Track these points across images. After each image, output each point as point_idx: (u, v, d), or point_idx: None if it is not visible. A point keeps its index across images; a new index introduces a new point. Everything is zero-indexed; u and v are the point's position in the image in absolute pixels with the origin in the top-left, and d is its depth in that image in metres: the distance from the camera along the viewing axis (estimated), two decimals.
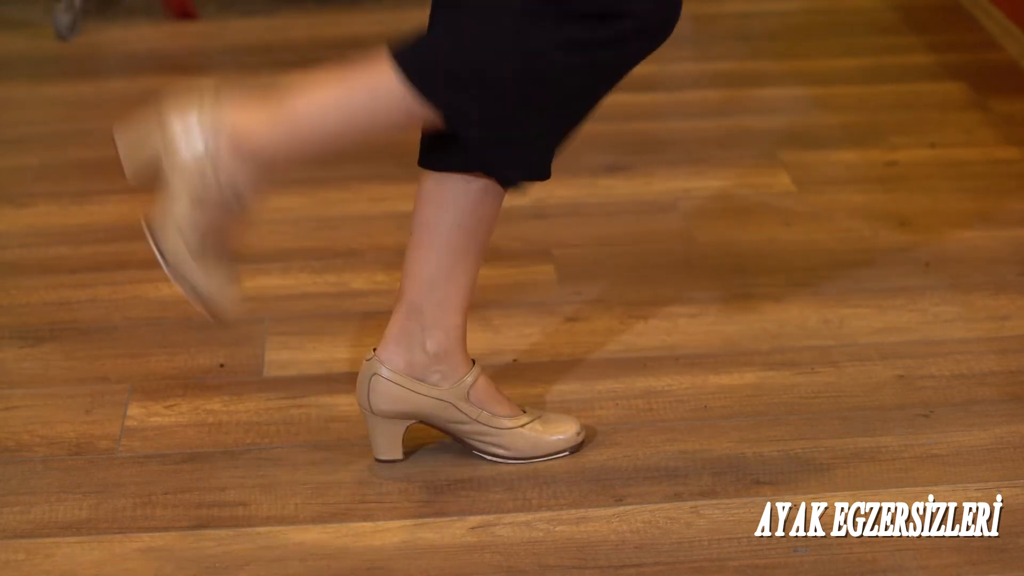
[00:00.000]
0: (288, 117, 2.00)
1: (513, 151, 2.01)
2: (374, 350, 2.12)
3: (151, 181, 2.07)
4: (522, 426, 2.15)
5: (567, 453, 2.17)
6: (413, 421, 2.14)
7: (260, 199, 2.02)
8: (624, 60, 2.00)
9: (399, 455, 2.16)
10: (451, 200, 2.07)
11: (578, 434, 2.18)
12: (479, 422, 2.14)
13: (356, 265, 2.75)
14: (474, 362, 2.14)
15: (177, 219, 2.01)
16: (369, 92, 1.98)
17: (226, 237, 2.04)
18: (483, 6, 1.95)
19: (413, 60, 1.96)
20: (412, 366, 2.11)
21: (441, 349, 2.11)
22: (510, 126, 1.99)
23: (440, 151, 2.05)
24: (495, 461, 2.15)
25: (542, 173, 2.06)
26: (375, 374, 2.11)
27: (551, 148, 2.05)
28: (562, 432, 2.17)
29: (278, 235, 2.87)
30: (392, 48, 1.97)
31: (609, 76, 2.01)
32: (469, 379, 2.13)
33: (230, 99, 2.01)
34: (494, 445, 2.15)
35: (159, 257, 2.02)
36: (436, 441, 2.19)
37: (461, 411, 2.13)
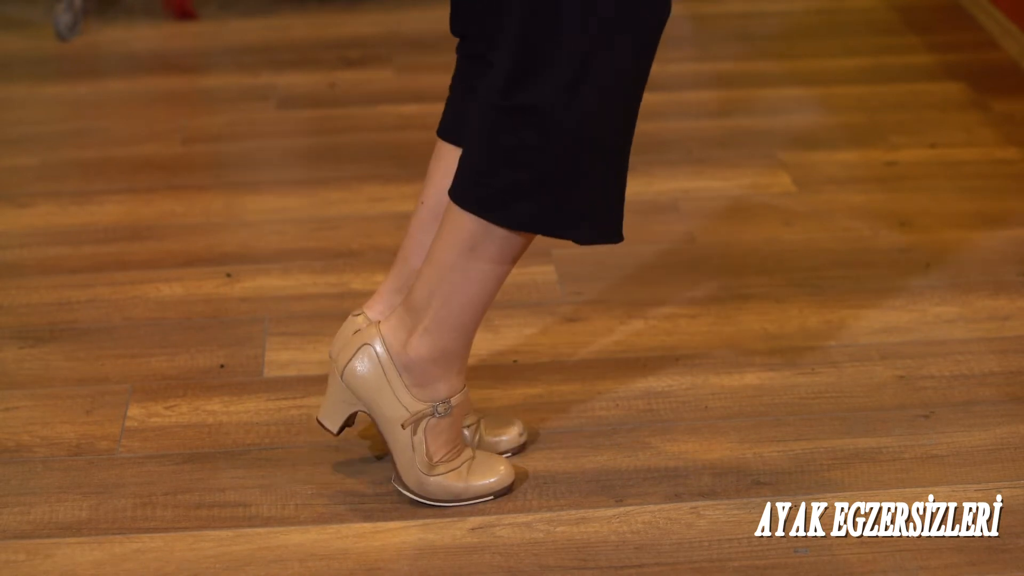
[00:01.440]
0: (419, 312, 2.02)
1: (595, 216, 1.99)
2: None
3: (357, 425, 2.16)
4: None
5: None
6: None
7: (461, 396, 2.06)
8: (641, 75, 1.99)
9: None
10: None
11: (520, 435, 2.18)
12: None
13: (356, 265, 2.75)
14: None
15: (417, 467, 2.06)
16: (460, 244, 1.98)
17: (458, 431, 2.09)
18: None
19: (473, 195, 1.95)
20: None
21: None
22: (583, 195, 1.96)
23: (463, 124, 2.04)
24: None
25: (618, 232, 2.02)
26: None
27: (620, 201, 2.01)
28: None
29: (278, 235, 2.88)
30: (454, 194, 1.97)
31: (636, 96, 2.00)
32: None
33: (385, 330, 2.05)
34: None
35: (437, 505, 2.08)
36: None
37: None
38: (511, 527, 2.04)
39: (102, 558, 2.00)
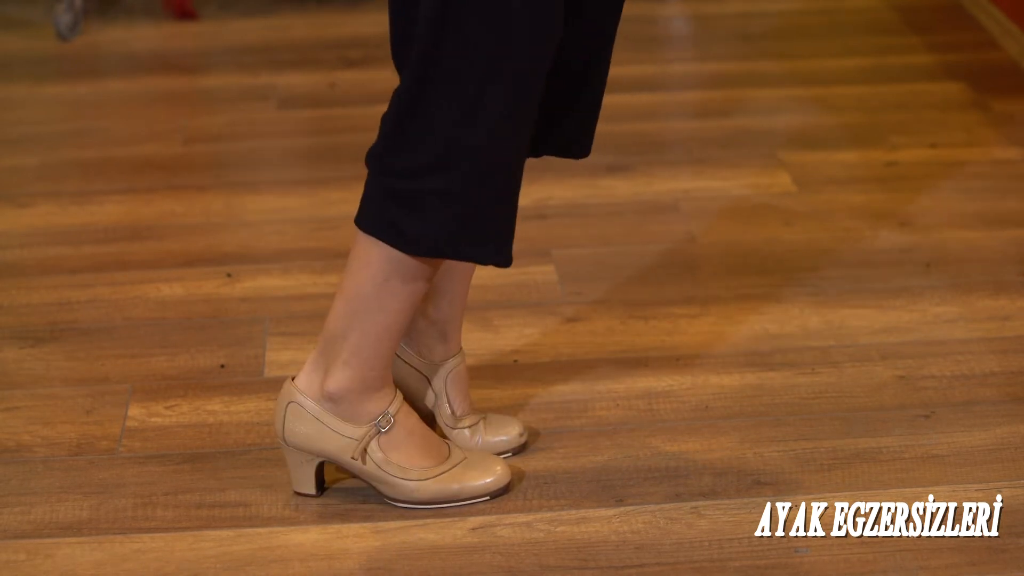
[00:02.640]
0: (333, 346, 2.02)
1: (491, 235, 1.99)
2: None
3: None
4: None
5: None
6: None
7: (396, 403, 2.05)
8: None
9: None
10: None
11: (520, 435, 2.18)
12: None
13: None
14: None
15: (388, 475, 2.06)
16: (367, 270, 1.98)
17: (424, 435, 2.08)
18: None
19: (370, 218, 1.96)
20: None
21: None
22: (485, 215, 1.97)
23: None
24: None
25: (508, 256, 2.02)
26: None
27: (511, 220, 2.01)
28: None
29: (278, 235, 2.88)
30: (361, 222, 1.98)
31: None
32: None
33: (300, 379, 2.06)
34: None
35: (435, 508, 2.07)
36: None
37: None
38: (511, 527, 2.04)
39: (102, 558, 2.00)
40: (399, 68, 2.02)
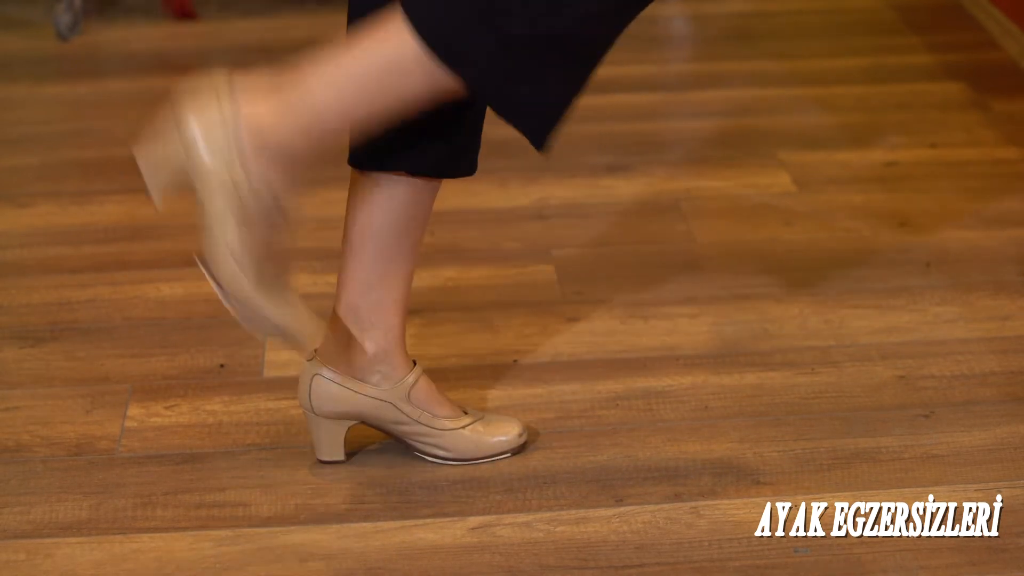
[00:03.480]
0: (305, 102, 1.84)
1: (537, 111, 1.86)
2: (315, 351, 2.12)
3: (179, 197, 1.89)
4: (463, 427, 2.15)
5: (509, 455, 2.16)
6: (355, 422, 2.14)
7: (297, 202, 1.92)
8: None
9: (341, 456, 2.15)
10: (383, 201, 2.06)
11: (520, 435, 2.19)
12: (420, 423, 2.13)
13: None
14: (415, 363, 2.14)
15: (228, 244, 1.84)
16: (385, 60, 1.80)
17: (279, 255, 1.91)
18: None
19: (428, 18, 1.78)
20: (352, 367, 2.11)
21: (380, 349, 2.10)
22: (533, 83, 1.84)
23: (373, 151, 2.04)
24: (435, 462, 2.15)
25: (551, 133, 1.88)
26: (316, 375, 2.11)
27: (565, 107, 1.88)
28: (504, 434, 2.17)
29: None
30: (405, 5, 1.80)
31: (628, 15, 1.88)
32: (410, 379, 2.12)
33: (244, 90, 1.84)
34: (435, 446, 2.15)
35: (220, 293, 1.90)
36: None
37: (402, 411, 2.12)
38: (511, 527, 2.04)
39: (102, 558, 2.00)
40: None
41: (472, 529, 2.04)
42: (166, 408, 2.33)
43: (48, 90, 3.67)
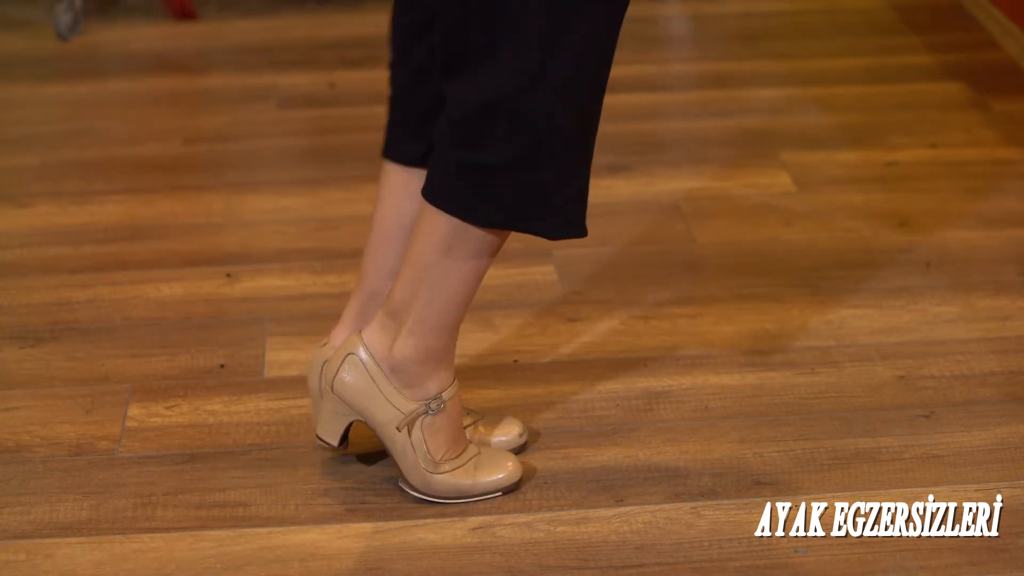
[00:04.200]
0: (402, 318, 2.02)
1: (566, 209, 1.99)
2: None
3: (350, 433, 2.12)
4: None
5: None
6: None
7: (452, 389, 2.05)
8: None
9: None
10: (416, 193, 2.06)
11: (520, 435, 2.18)
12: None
13: (356, 265, 2.74)
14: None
15: (421, 467, 2.06)
16: (444, 252, 1.97)
17: (459, 426, 2.08)
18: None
19: (445, 194, 1.95)
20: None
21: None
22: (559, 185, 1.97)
23: (410, 145, 2.06)
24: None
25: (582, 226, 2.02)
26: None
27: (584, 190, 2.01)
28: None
29: (278, 235, 2.88)
30: (426, 193, 1.97)
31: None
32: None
33: (365, 341, 2.05)
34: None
35: (445, 503, 2.08)
36: None
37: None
38: (511, 527, 2.04)
39: (102, 558, 2.00)
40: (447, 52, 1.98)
41: (472, 529, 2.04)
42: (166, 408, 2.33)
43: (48, 90, 3.67)
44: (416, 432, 2.05)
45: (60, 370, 2.44)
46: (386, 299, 2.05)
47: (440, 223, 1.96)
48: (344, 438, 2.10)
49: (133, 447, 2.24)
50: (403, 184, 2.10)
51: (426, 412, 2.05)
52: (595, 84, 1.94)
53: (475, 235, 1.96)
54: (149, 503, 2.11)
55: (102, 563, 2.00)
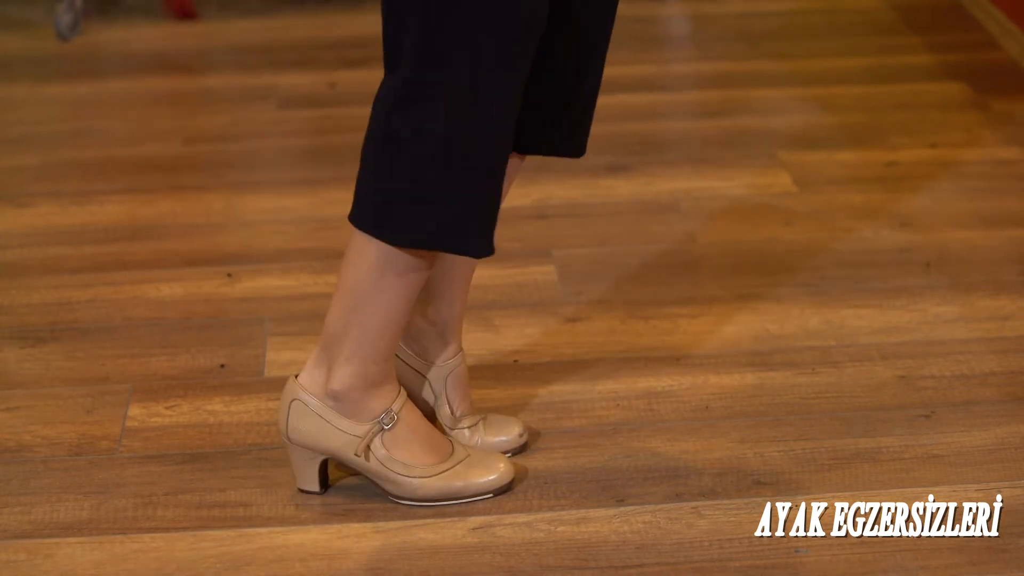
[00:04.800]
0: (338, 347, 2.03)
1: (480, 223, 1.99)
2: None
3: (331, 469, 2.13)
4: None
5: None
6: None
7: (400, 400, 2.05)
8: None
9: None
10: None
11: (520, 435, 2.18)
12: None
13: None
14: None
15: (391, 472, 2.06)
16: (376, 277, 1.99)
17: (427, 432, 2.08)
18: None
19: (360, 213, 1.97)
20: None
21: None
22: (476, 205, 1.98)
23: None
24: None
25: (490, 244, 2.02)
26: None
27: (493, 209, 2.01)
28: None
29: (279, 235, 2.88)
30: (353, 217, 1.99)
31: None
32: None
33: (301, 384, 2.06)
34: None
35: (439, 506, 2.08)
36: None
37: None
38: (512, 527, 2.04)
39: (103, 558, 2.00)
40: (388, 66, 2.02)
41: (472, 529, 2.04)
42: (167, 408, 2.33)
43: (48, 90, 3.67)
44: (378, 451, 2.06)
45: (60, 370, 2.44)
46: (322, 334, 2.06)
47: (367, 248, 1.98)
48: (324, 480, 2.11)
49: (133, 447, 2.24)
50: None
51: (381, 429, 2.05)
52: (508, 113, 1.94)
53: (402, 255, 1.98)
54: (149, 503, 2.11)
55: (102, 563, 2.00)
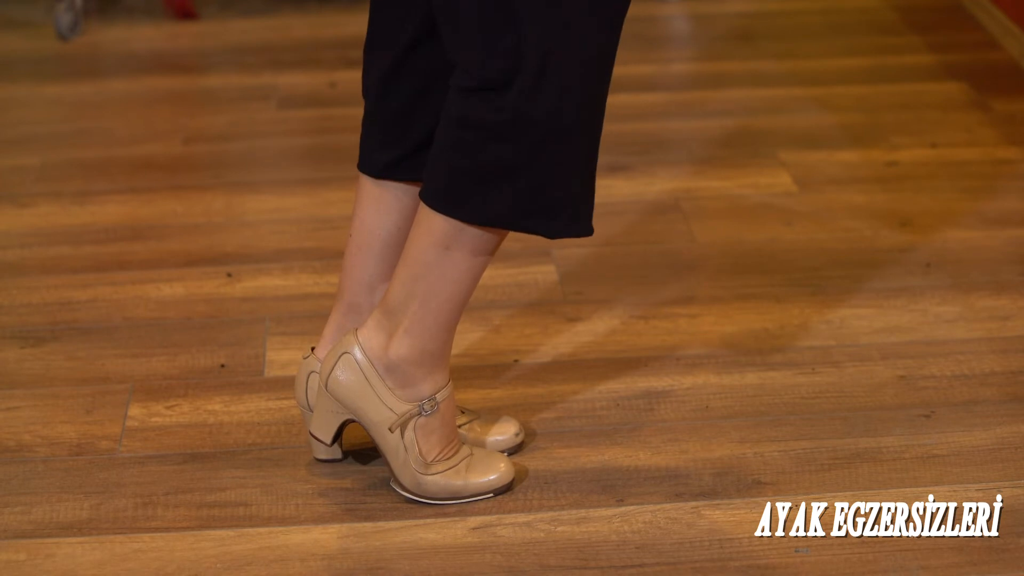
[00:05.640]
0: (399, 317, 2.02)
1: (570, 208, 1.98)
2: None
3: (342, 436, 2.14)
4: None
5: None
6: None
7: (446, 391, 2.05)
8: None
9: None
10: (393, 205, 2.07)
11: (517, 435, 2.18)
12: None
13: None
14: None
15: (412, 468, 2.06)
16: (441, 252, 1.97)
17: (452, 427, 2.07)
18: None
19: (444, 194, 1.95)
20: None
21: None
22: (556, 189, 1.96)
23: (386, 160, 2.06)
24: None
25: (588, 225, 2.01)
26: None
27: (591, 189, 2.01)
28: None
29: (278, 235, 2.88)
30: (425, 195, 1.97)
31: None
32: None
33: (360, 341, 2.04)
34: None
35: (436, 504, 2.08)
36: None
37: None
38: (512, 527, 2.04)
39: (103, 558, 2.01)
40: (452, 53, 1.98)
41: (473, 529, 2.04)
42: (167, 408, 2.33)
43: (49, 90, 3.67)
44: (409, 433, 2.05)
45: (61, 370, 2.44)
46: (383, 298, 2.04)
47: (437, 222, 1.96)
48: (337, 436, 2.10)
49: (134, 447, 2.24)
50: (375, 196, 2.10)
51: (419, 413, 2.05)
52: (598, 82, 1.94)
53: (473, 234, 1.96)
54: (150, 503, 2.11)
55: (103, 563, 2.00)
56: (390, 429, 2.04)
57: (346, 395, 2.06)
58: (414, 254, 1.99)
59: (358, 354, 2.04)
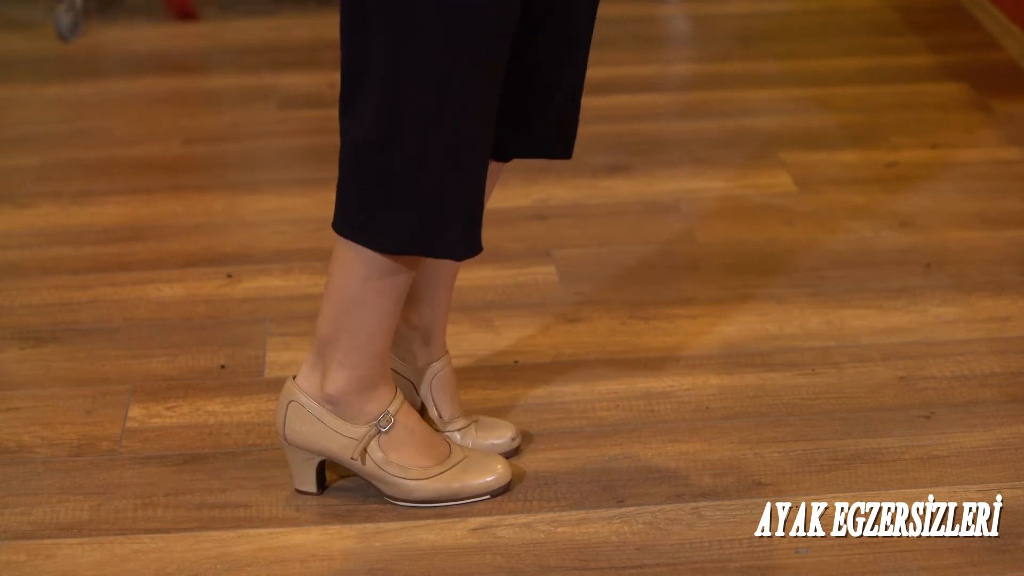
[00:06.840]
0: (331, 352, 2.03)
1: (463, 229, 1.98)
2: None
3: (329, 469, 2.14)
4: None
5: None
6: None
7: (397, 402, 2.05)
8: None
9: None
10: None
11: (513, 439, 2.18)
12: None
13: None
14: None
15: (388, 474, 2.06)
16: (361, 282, 1.99)
17: (424, 434, 2.08)
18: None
19: (342, 220, 1.98)
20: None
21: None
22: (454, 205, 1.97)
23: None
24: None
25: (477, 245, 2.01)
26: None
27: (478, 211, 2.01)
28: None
29: (278, 235, 2.88)
30: (335, 225, 2.00)
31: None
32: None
33: (299, 385, 2.06)
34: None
35: (437, 507, 2.08)
36: None
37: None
38: (512, 527, 2.04)
39: (103, 558, 2.01)
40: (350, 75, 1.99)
41: (473, 530, 2.04)
42: (167, 409, 2.33)
43: (49, 90, 3.67)
44: (375, 454, 2.05)
45: (61, 371, 2.44)
46: (314, 339, 2.06)
47: (351, 254, 1.98)
48: (322, 481, 2.11)
49: (134, 447, 2.24)
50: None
51: (377, 432, 2.05)
52: (484, 110, 1.92)
53: (386, 260, 1.98)
54: (150, 503, 2.11)
55: (103, 563, 2.00)
56: (352, 457, 2.05)
57: (307, 441, 2.07)
58: (335, 289, 2.02)
59: (302, 399, 2.06)
